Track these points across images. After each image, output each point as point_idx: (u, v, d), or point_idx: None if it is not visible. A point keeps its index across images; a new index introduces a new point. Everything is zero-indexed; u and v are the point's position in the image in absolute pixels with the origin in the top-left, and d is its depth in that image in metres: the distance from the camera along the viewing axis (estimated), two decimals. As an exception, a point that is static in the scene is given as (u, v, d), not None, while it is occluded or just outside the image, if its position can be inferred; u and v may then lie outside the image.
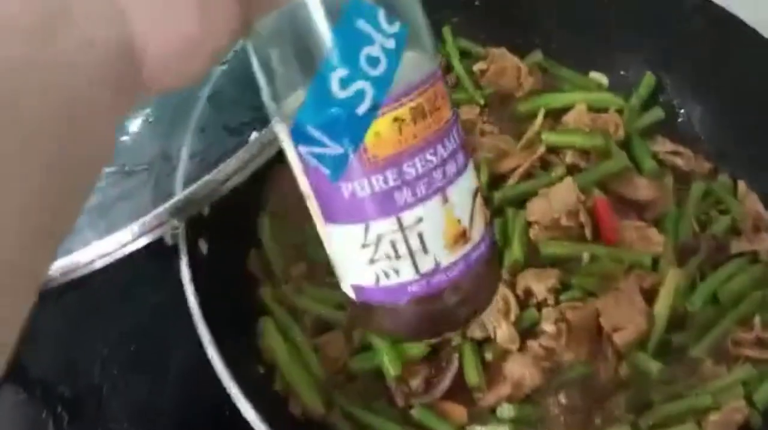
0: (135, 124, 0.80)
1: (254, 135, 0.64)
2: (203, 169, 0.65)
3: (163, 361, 0.86)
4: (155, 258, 0.72)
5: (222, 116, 0.68)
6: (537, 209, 0.81)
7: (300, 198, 0.87)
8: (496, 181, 0.87)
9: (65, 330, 0.89)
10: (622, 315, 0.76)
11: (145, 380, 0.85)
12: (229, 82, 0.69)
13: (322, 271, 0.81)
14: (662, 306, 0.77)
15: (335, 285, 0.81)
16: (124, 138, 0.80)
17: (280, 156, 0.84)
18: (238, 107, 0.68)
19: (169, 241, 0.71)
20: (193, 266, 0.69)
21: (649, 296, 0.78)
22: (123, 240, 0.65)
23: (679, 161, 0.91)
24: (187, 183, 0.68)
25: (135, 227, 0.65)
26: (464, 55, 0.97)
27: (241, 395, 0.61)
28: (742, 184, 0.89)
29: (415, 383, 0.74)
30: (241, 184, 0.68)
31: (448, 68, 0.96)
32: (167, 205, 0.65)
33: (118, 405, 0.84)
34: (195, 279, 0.68)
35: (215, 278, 0.73)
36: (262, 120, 0.65)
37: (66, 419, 0.85)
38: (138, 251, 0.67)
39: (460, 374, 0.75)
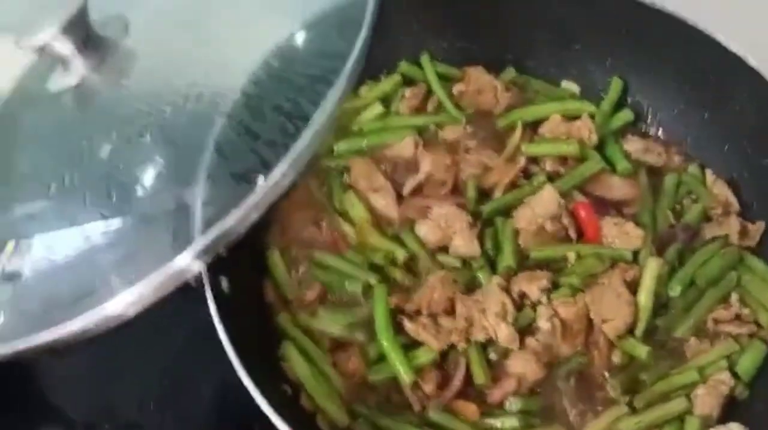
0: (149, 175, 0.86)
1: (261, 180, 0.71)
2: (216, 216, 0.71)
3: (195, 391, 0.93)
4: (182, 298, 0.79)
5: (228, 164, 0.75)
6: (523, 218, 0.89)
7: (304, 229, 0.94)
8: (483, 194, 0.94)
9: (101, 372, 0.96)
10: (610, 307, 0.83)
11: (181, 412, 0.93)
12: (232, 130, 0.76)
13: (332, 292, 0.89)
14: (645, 295, 0.84)
15: (346, 304, 0.89)
16: (138, 188, 0.86)
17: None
18: (243, 154, 0.75)
19: (193, 283, 0.78)
20: (218, 302, 0.76)
21: (633, 286, 0.86)
22: (150, 288, 0.72)
23: (650, 158, 0.98)
24: (204, 229, 0.74)
25: (161, 275, 0.72)
26: (443, 78, 1.04)
27: (273, 412, 0.68)
28: (709, 173, 0.97)
29: (429, 387, 0.82)
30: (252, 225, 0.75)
31: (429, 92, 1.04)
32: (189, 251, 0.72)
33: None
34: (221, 314, 0.75)
35: (238, 310, 0.81)
36: (266, 164, 0.72)
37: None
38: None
39: (469, 375, 0.82)
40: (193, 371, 0.92)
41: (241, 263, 0.85)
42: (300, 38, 0.82)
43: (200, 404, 0.93)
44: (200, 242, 0.72)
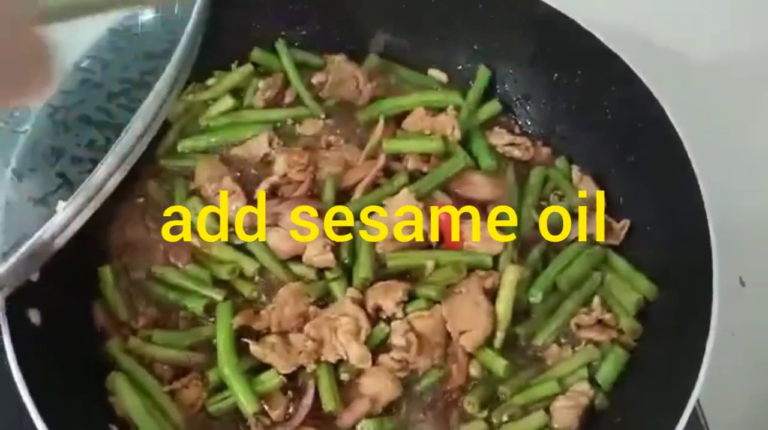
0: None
1: (61, 204, 0.62)
2: (13, 247, 0.62)
3: None
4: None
5: (27, 187, 0.66)
6: (379, 224, 0.83)
7: (142, 244, 0.85)
8: (343, 195, 0.88)
9: None
10: (467, 318, 0.79)
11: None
12: (30, 151, 0.66)
13: (173, 311, 0.81)
14: (503, 304, 0.81)
15: (187, 323, 0.81)
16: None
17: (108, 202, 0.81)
18: (44, 174, 0.66)
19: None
20: (21, 339, 0.67)
21: (493, 294, 0.82)
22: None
23: (516, 152, 0.94)
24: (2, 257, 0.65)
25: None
26: (301, 66, 0.96)
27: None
28: (575, 169, 0.94)
29: (276, 413, 0.76)
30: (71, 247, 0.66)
31: (286, 84, 0.95)
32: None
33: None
34: (24, 353, 0.66)
35: (54, 344, 0.72)
36: (68, 187, 0.63)
37: None
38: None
39: (319, 398, 0.77)
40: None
41: (65, 285, 0.75)
42: (115, 36, 0.72)
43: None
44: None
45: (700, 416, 0.91)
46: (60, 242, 0.64)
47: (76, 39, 0.69)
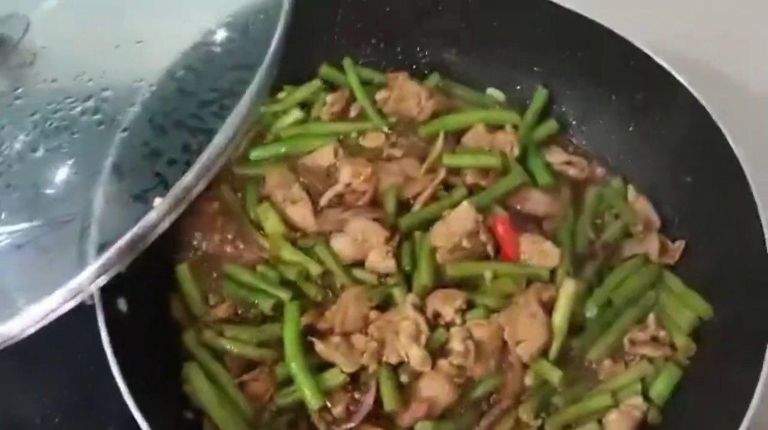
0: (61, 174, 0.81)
1: (158, 200, 0.67)
2: (112, 237, 0.67)
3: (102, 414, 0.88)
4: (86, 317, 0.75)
5: (126, 183, 0.71)
6: (439, 234, 0.86)
7: (214, 242, 0.90)
8: (403, 206, 0.91)
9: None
10: (524, 328, 0.82)
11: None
12: (131, 147, 0.72)
13: (243, 308, 0.86)
14: (560, 316, 0.83)
15: (256, 322, 0.86)
16: (50, 191, 0.81)
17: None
18: (142, 172, 0.71)
19: (88, 302, 0.74)
20: (112, 324, 0.72)
21: (549, 306, 0.84)
22: (44, 310, 0.68)
23: (572, 171, 0.97)
24: (98, 251, 0.70)
25: (55, 297, 0.68)
26: (366, 83, 1.01)
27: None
28: (631, 188, 0.96)
29: (338, 410, 0.79)
30: (154, 243, 0.71)
31: (352, 99, 1.00)
32: (83, 274, 0.68)
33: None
34: (114, 337, 0.71)
35: (138, 331, 0.77)
36: (165, 184, 0.68)
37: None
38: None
39: (380, 398, 0.80)
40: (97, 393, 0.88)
41: (147, 278, 0.80)
42: (207, 48, 0.78)
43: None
44: (94, 264, 0.68)
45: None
46: (153, 236, 0.68)
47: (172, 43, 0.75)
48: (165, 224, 0.69)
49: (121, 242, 0.66)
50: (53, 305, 0.67)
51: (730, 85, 1.09)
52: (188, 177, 0.68)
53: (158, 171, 0.70)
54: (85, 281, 0.66)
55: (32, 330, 0.69)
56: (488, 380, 0.82)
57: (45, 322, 0.68)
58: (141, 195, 0.69)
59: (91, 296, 0.73)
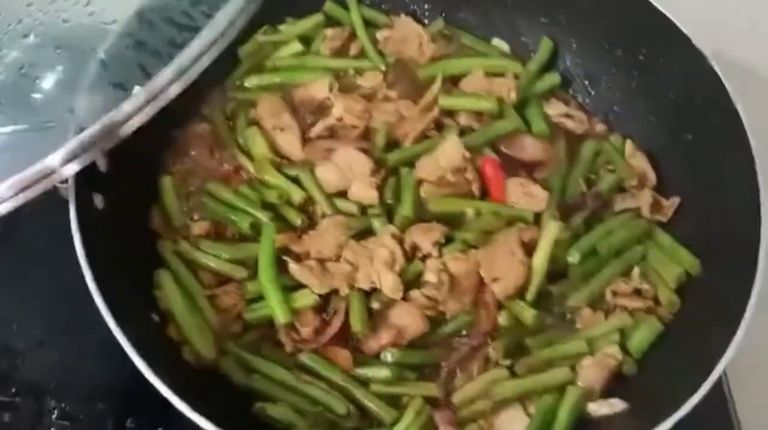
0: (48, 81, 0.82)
1: (137, 89, 0.67)
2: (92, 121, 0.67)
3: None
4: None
5: (110, 73, 0.72)
6: (425, 167, 0.85)
7: (201, 159, 0.90)
8: (394, 145, 0.90)
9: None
10: (502, 266, 0.80)
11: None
12: (115, 43, 0.72)
13: (222, 228, 0.85)
14: (540, 257, 0.81)
15: (233, 240, 0.85)
16: (37, 95, 0.82)
17: (181, 120, 0.89)
18: (126, 63, 0.71)
19: (64, 193, 0.74)
20: (85, 218, 0.72)
21: (531, 248, 0.82)
22: (17, 187, 0.67)
23: (570, 124, 0.95)
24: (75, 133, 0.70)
25: (29, 173, 0.67)
26: (369, 23, 1.00)
27: (121, 333, 0.65)
28: (629, 144, 0.94)
29: (306, 331, 0.78)
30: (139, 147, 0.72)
31: (353, 37, 0.99)
32: (58, 153, 0.68)
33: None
34: (85, 231, 0.71)
35: (111, 231, 0.77)
36: (147, 75, 0.69)
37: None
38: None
39: (348, 322, 0.79)
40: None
41: (127, 183, 0.81)
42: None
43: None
44: (69, 144, 0.68)
45: (727, 393, 0.88)
46: (129, 127, 0.68)
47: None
48: (141, 117, 0.69)
49: (95, 127, 0.66)
50: (26, 182, 0.67)
51: (743, 48, 1.06)
52: (168, 70, 0.68)
53: (141, 63, 0.70)
54: (58, 161, 0.66)
55: (8, 206, 0.68)
56: (461, 317, 0.80)
57: (19, 200, 0.68)
58: (122, 84, 0.69)
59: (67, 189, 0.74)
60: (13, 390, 0.86)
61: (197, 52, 0.70)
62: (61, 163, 0.67)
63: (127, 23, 0.72)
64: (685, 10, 0.89)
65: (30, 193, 0.68)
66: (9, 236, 0.92)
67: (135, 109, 0.68)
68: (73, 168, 0.68)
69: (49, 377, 0.86)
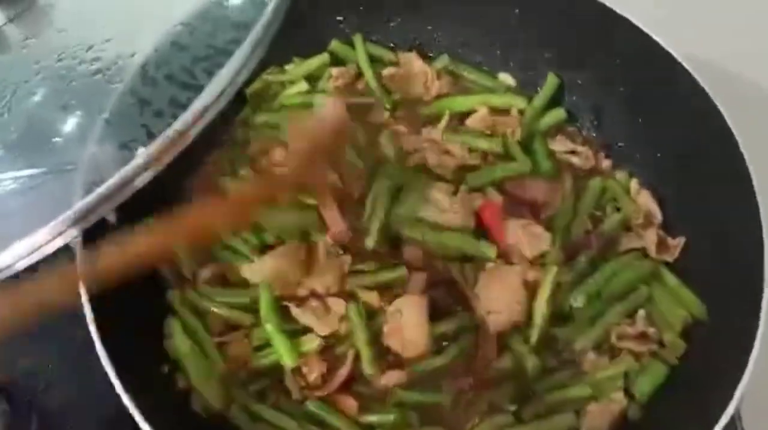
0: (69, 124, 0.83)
1: (141, 150, 0.68)
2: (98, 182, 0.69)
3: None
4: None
5: (115, 132, 0.73)
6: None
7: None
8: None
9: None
10: (499, 302, 0.81)
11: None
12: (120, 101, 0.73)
13: (229, 272, 0.86)
14: (541, 300, 0.82)
15: (241, 285, 0.86)
16: (57, 139, 0.83)
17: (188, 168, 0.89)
18: (130, 122, 0.72)
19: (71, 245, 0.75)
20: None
21: (534, 288, 0.83)
22: (29, 248, 0.69)
23: (575, 160, 0.95)
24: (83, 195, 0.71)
25: (39, 236, 0.69)
26: (375, 61, 1.01)
27: (122, 390, 0.67)
28: (634, 182, 0.93)
29: (313, 376, 0.79)
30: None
31: (359, 75, 1.00)
32: (66, 215, 0.69)
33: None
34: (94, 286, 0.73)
35: (121, 284, 0.78)
36: (150, 136, 0.69)
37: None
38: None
39: (355, 365, 0.80)
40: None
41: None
42: (207, 8, 0.79)
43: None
44: (74, 207, 0.69)
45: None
46: (136, 186, 0.69)
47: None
48: (148, 175, 0.70)
49: (102, 188, 0.67)
50: (37, 243, 0.68)
51: (745, 87, 1.05)
52: (173, 129, 0.69)
53: (145, 123, 0.71)
54: (68, 220, 0.68)
55: (20, 266, 0.70)
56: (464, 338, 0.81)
57: (31, 259, 0.69)
58: (127, 144, 0.70)
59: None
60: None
61: (200, 110, 0.70)
62: (68, 224, 0.68)
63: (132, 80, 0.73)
64: (691, 50, 0.89)
65: (43, 253, 0.69)
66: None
67: (139, 169, 0.69)
68: (81, 227, 0.69)
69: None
